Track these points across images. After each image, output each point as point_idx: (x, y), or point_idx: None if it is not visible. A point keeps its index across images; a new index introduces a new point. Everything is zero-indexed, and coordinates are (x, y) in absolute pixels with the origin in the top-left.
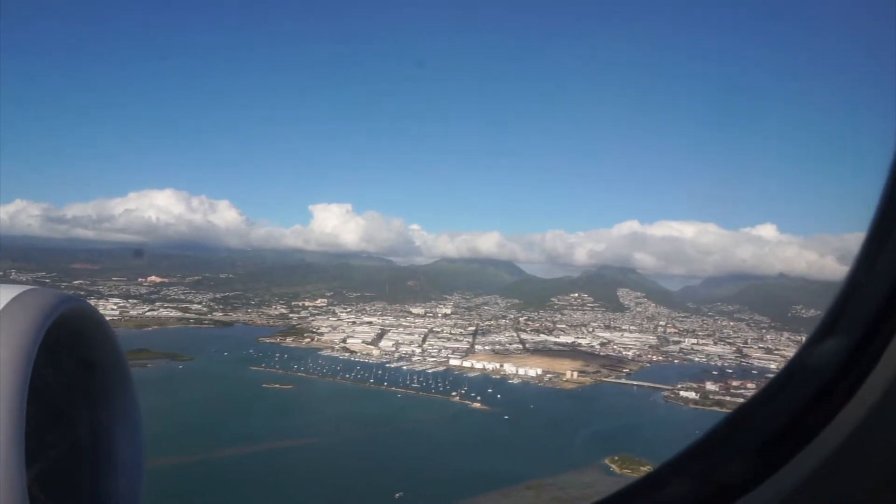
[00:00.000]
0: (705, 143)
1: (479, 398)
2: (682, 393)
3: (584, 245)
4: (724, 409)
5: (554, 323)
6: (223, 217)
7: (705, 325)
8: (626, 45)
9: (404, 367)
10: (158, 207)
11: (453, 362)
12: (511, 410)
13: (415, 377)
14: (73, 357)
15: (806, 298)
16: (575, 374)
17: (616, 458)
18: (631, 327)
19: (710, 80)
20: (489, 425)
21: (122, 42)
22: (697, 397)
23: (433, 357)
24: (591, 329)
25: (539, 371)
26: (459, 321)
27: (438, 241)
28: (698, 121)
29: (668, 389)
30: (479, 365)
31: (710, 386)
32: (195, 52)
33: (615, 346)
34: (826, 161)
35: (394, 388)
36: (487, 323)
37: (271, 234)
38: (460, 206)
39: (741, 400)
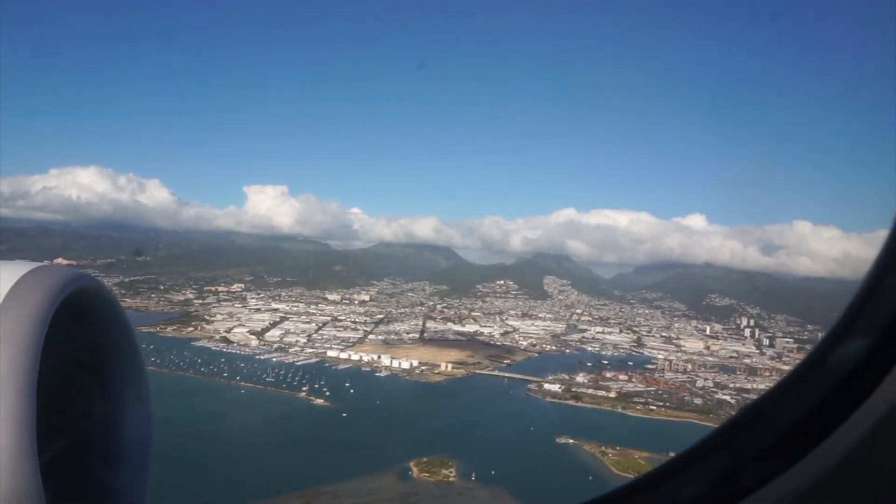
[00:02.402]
0: (644, 132)
1: (327, 393)
2: (547, 385)
3: (520, 232)
4: (580, 403)
5: (469, 311)
6: (153, 196)
7: (621, 313)
8: (561, 30)
9: (274, 359)
10: (81, 185)
11: (331, 354)
12: (354, 407)
13: (276, 370)
14: (82, 336)
15: (724, 287)
16: (450, 366)
17: (424, 460)
18: (547, 315)
19: (648, 72)
20: (320, 423)
21: (43, 6)
22: (559, 390)
23: (313, 348)
24: (504, 317)
25: (414, 363)
26: (374, 308)
27: (377, 225)
28: (638, 111)
29: (536, 381)
30: (356, 356)
31: (580, 378)
32: (127, 20)
33: (516, 336)
34: (755, 152)
35: (244, 383)
36: (402, 311)
37: (203, 215)
38: (403, 191)
39: (603, 393)
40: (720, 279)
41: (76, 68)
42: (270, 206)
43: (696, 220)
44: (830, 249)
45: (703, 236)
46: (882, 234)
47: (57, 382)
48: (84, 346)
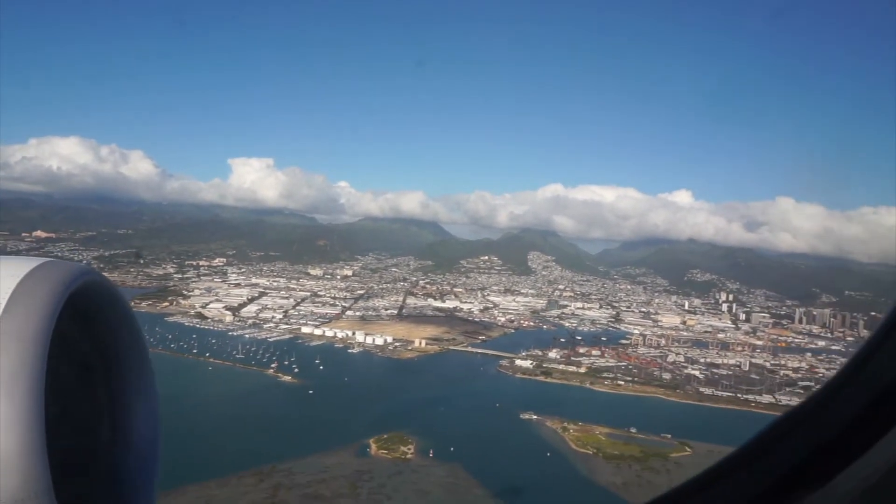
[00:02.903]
0: (633, 108)
1: (296, 370)
2: (519, 362)
3: (507, 207)
4: (549, 379)
5: (452, 286)
6: (136, 168)
7: (603, 289)
8: (550, 7)
9: (247, 336)
10: (62, 156)
11: (305, 330)
12: (322, 384)
13: (248, 347)
14: (88, 333)
15: (706, 263)
16: (424, 342)
17: (385, 436)
18: (529, 291)
19: (636, 51)
20: (284, 400)
21: None
22: (531, 366)
23: (288, 324)
24: (486, 293)
25: (389, 339)
26: (356, 284)
27: (363, 199)
28: (626, 88)
29: (508, 358)
30: (330, 333)
31: (553, 354)
32: None
33: (495, 312)
34: (741, 129)
35: (213, 360)
36: (384, 286)
37: (187, 187)
38: (390, 165)
39: (574, 369)
40: (703, 255)
41: (57, 35)
42: (255, 179)
43: (683, 196)
44: (812, 226)
45: (689, 212)
46: (865, 212)
47: (64, 379)
48: (90, 342)
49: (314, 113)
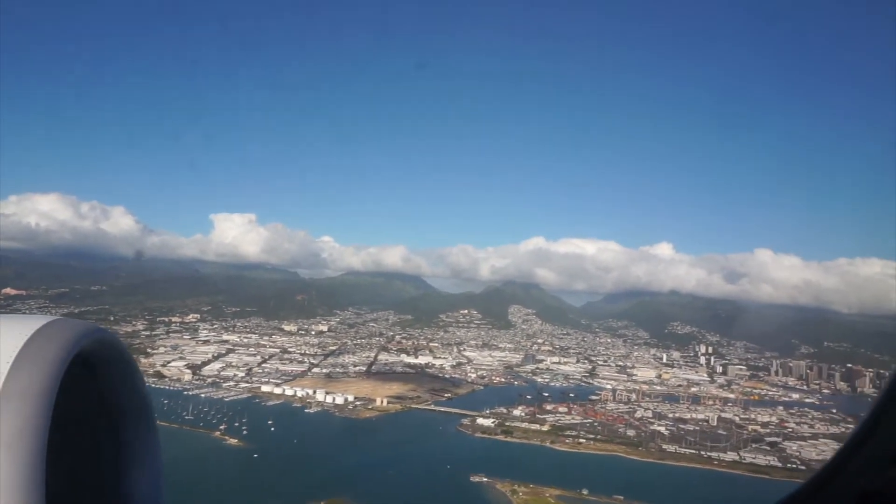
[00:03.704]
0: (613, 163)
1: (245, 432)
2: (480, 420)
3: (490, 260)
4: (509, 438)
5: (428, 341)
6: (117, 224)
7: (583, 343)
8: (530, 62)
9: (203, 395)
10: (41, 212)
11: (265, 388)
12: (269, 446)
13: (201, 407)
14: (95, 391)
15: (686, 315)
16: (386, 401)
17: (323, 503)
18: (507, 345)
19: (618, 107)
20: (224, 464)
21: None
22: (492, 425)
23: (249, 383)
24: (462, 348)
25: (350, 398)
26: (330, 339)
27: (345, 253)
28: (606, 142)
29: (471, 416)
30: (291, 391)
31: (517, 411)
32: (89, 41)
33: (467, 367)
34: (722, 183)
35: (159, 422)
36: (358, 342)
37: (168, 243)
38: (373, 220)
39: (537, 427)
40: (684, 307)
41: (38, 91)
42: (237, 235)
43: (664, 249)
44: (791, 277)
45: (670, 264)
46: (841, 263)
47: (69, 436)
48: (96, 400)
49: (297, 169)
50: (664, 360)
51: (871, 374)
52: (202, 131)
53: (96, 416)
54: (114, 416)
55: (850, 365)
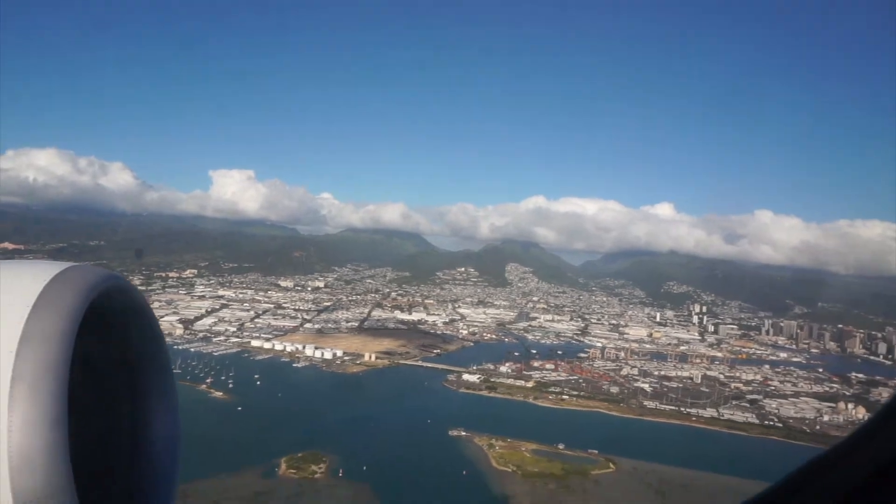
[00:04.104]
0: (616, 121)
1: (231, 386)
2: (466, 376)
3: (489, 219)
4: (493, 394)
5: (424, 298)
6: (115, 179)
7: (578, 301)
8: (534, 19)
9: (192, 350)
10: (38, 167)
11: (255, 343)
12: (253, 400)
13: (189, 361)
14: (111, 337)
15: (683, 275)
16: (374, 356)
17: (299, 455)
18: (502, 303)
19: (621, 66)
20: (207, 417)
21: None
22: (477, 381)
23: (240, 338)
24: (457, 305)
25: (338, 353)
26: (325, 296)
27: (345, 210)
28: (609, 100)
29: (457, 372)
30: (280, 346)
31: (504, 368)
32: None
33: (460, 324)
34: (724, 142)
35: None
36: (353, 298)
37: (167, 198)
38: (373, 176)
39: (522, 383)
40: (682, 266)
41: (35, 46)
42: (236, 191)
43: (665, 209)
44: (790, 238)
45: (670, 224)
46: (841, 225)
47: (86, 382)
48: (113, 346)
49: (296, 125)
50: (657, 320)
51: (862, 334)
52: (200, 86)
53: (114, 360)
54: (131, 362)
55: (841, 325)
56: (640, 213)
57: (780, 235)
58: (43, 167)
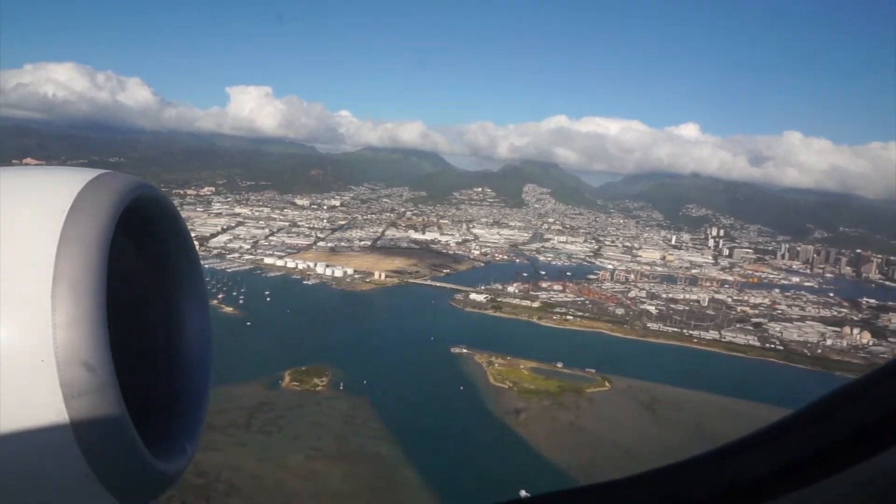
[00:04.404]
0: (640, 39)
1: (241, 301)
2: (473, 295)
3: (509, 138)
4: (498, 314)
5: (439, 218)
6: (133, 96)
7: (595, 223)
8: None
9: (206, 266)
10: (57, 82)
11: (268, 261)
12: (263, 316)
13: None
14: (144, 244)
15: (704, 197)
16: (384, 275)
17: (303, 369)
18: (518, 224)
19: None
20: (217, 331)
21: None
22: (484, 300)
23: (253, 255)
24: (471, 226)
25: (349, 271)
26: (341, 214)
27: (363, 128)
28: (633, 17)
29: (465, 291)
30: (292, 264)
31: (512, 288)
32: None
33: (472, 244)
34: (753, 60)
35: None
36: (369, 217)
37: (185, 115)
38: (392, 94)
39: (528, 303)
40: (703, 189)
41: None
42: (253, 108)
43: (689, 130)
44: (819, 161)
45: (694, 146)
46: (874, 147)
47: (123, 283)
48: (147, 250)
49: (314, 41)
50: (672, 243)
51: (880, 260)
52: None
53: (148, 263)
54: (163, 265)
55: (859, 250)
56: (664, 133)
57: (808, 158)
58: (62, 82)
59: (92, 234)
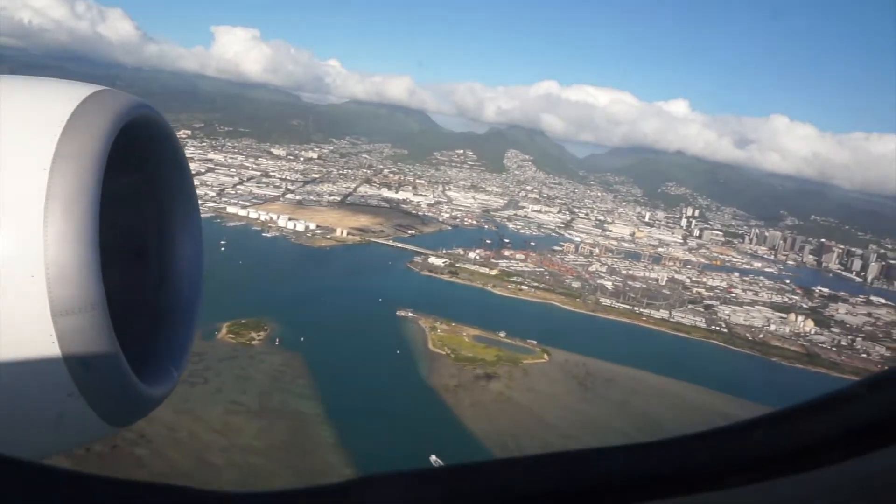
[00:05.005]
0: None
1: None
2: (432, 259)
3: (497, 101)
4: (453, 279)
5: (416, 177)
6: (114, 28)
7: (573, 194)
8: None
9: None
10: (34, 8)
11: (230, 210)
12: (214, 266)
13: None
14: (140, 164)
15: (685, 176)
16: (345, 231)
17: (242, 321)
18: (495, 189)
19: None
20: None
21: None
22: (442, 265)
23: (217, 203)
24: (448, 188)
25: (312, 226)
26: (316, 167)
27: (350, 80)
28: None
29: (425, 255)
30: (255, 215)
31: (473, 254)
32: None
33: (444, 207)
34: (747, 38)
35: None
36: (345, 172)
37: (167, 53)
38: (385, 48)
39: (486, 270)
40: (686, 168)
41: None
42: (239, 51)
43: (679, 106)
44: (801, 147)
45: (682, 123)
46: (856, 137)
47: (116, 205)
48: (141, 173)
49: None
50: (646, 220)
51: (841, 250)
52: None
53: (143, 186)
54: (158, 191)
55: (823, 240)
56: (652, 108)
57: (791, 143)
58: (39, 8)
59: (87, 152)
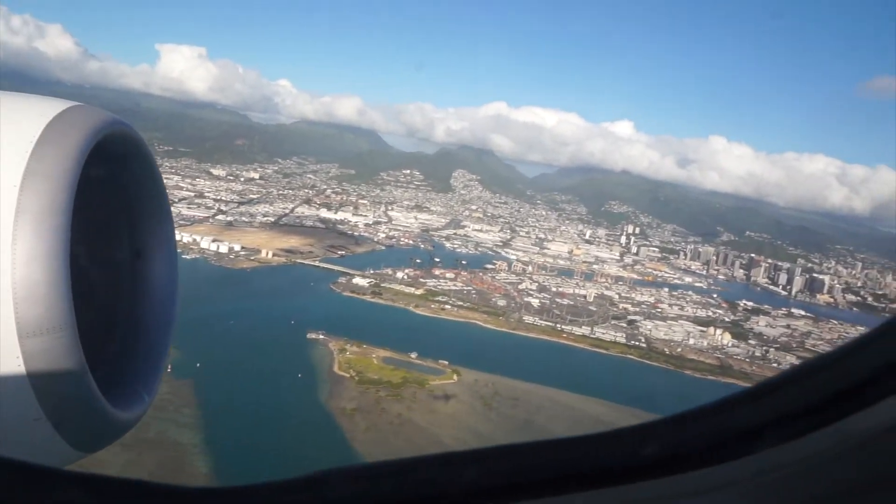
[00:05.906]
0: (583, 31)
1: None
2: (357, 280)
3: (446, 121)
4: (376, 300)
5: (359, 198)
6: (53, 44)
7: (517, 213)
8: None
9: None
10: None
11: None
12: None
13: None
14: (113, 180)
15: (628, 195)
16: (270, 253)
17: None
18: (439, 209)
19: None
20: None
21: None
22: (366, 285)
23: None
24: (390, 208)
25: (236, 247)
26: (256, 188)
27: (299, 100)
28: (578, 10)
29: (350, 275)
30: (178, 237)
31: (401, 274)
32: None
33: (381, 227)
34: (690, 61)
35: None
36: (285, 192)
37: (110, 70)
38: (334, 69)
39: (412, 290)
40: (630, 186)
41: None
42: (185, 69)
43: (624, 127)
44: (738, 167)
45: (627, 143)
46: (789, 157)
47: (89, 223)
48: (114, 189)
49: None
50: (587, 237)
51: (769, 265)
52: None
53: (116, 205)
54: (132, 206)
55: (752, 255)
56: (598, 128)
57: (728, 163)
58: None
59: (59, 170)
